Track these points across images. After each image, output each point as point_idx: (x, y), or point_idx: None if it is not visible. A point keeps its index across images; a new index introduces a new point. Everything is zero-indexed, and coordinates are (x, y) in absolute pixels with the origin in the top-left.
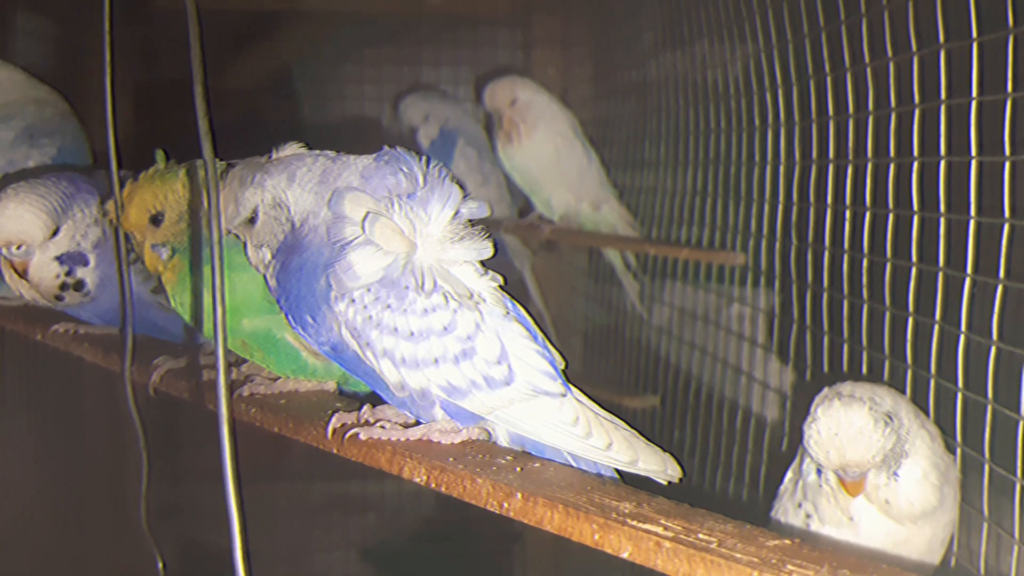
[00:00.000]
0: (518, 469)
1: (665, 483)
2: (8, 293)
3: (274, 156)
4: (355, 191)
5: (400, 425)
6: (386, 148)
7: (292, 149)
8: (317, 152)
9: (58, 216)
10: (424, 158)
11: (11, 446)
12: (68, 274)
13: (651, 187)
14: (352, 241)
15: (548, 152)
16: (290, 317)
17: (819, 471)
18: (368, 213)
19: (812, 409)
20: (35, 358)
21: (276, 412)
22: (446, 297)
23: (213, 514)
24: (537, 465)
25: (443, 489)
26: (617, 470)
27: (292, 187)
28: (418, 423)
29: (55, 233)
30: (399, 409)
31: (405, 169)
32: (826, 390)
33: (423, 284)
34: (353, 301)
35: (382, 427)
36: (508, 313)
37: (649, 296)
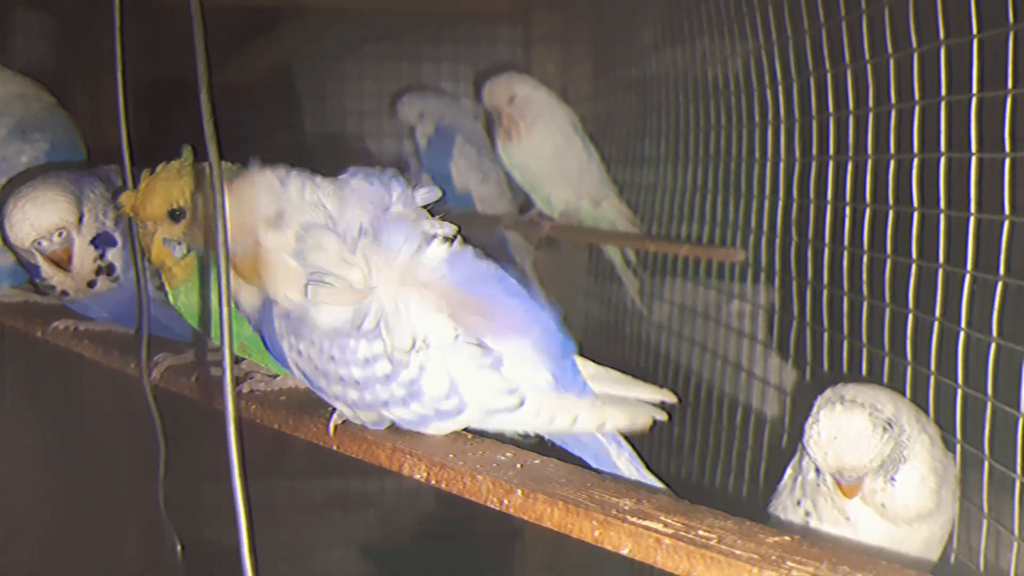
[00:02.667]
0: (518, 466)
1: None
2: (8, 292)
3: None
4: (323, 231)
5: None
6: (352, 167)
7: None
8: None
9: (79, 199)
10: (395, 180)
11: (11, 442)
12: (101, 257)
13: (651, 184)
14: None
15: (548, 149)
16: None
17: (818, 471)
18: (309, 281)
19: (814, 410)
20: (35, 355)
21: (276, 409)
22: (390, 345)
23: (211, 511)
24: (537, 462)
25: (443, 486)
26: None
27: (321, 188)
28: None
29: (82, 217)
30: None
31: (382, 184)
32: (829, 391)
33: (367, 332)
34: (299, 353)
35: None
36: (457, 338)
37: (649, 293)
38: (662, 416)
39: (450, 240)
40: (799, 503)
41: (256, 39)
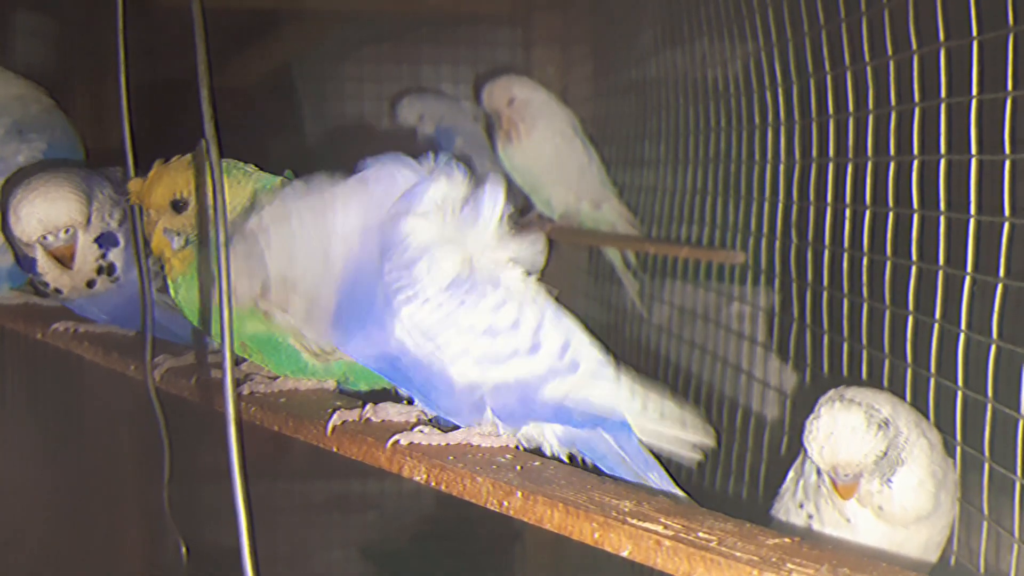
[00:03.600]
0: (518, 467)
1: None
2: (8, 294)
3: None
4: (410, 216)
5: (438, 429)
6: (370, 160)
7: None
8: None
9: (89, 197)
10: (457, 160)
11: (11, 444)
12: (103, 257)
13: (651, 185)
14: (417, 256)
15: (548, 151)
16: (339, 334)
17: (819, 472)
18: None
19: (816, 408)
20: (35, 357)
21: (276, 411)
22: (509, 294)
23: (212, 514)
24: (537, 464)
25: (443, 487)
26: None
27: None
28: (431, 420)
29: (90, 216)
30: (401, 405)
31: (447, 174)
32: (831, 392)
33: (486, 282)
34: (427, 300)
35: (421, 431)
36: (559, 308)
37: (649, 295)
38: (696, 457)
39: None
40: (801, 505)
41: (256, 41)
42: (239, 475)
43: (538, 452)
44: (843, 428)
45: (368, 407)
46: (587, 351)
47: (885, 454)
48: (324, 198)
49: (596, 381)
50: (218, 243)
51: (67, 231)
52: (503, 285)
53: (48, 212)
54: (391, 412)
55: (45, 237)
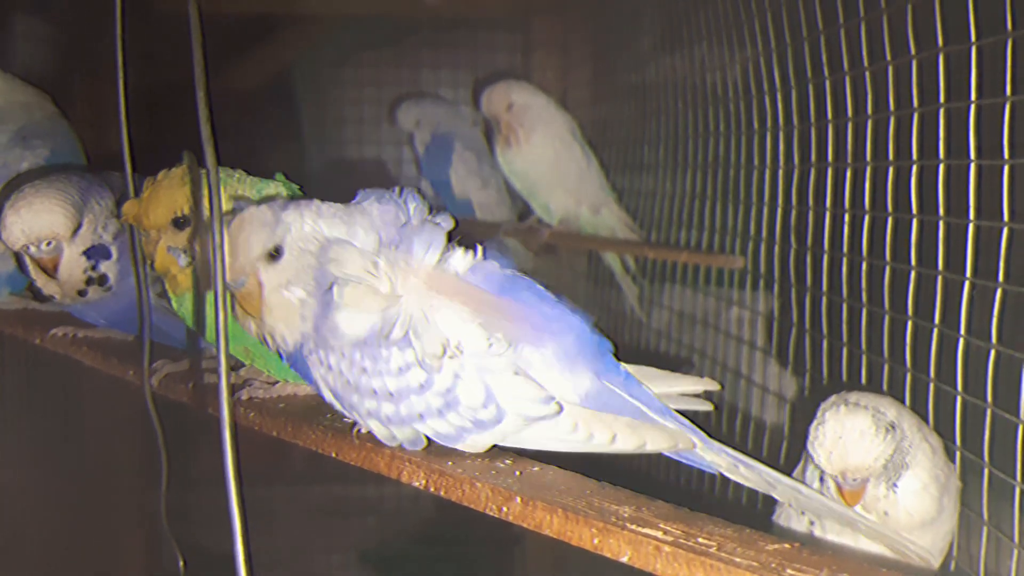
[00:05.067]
0: (517, 473)
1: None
2: (7, 300)
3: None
4: (343, 244)
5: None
6: (360, 191)
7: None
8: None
9: (80, 210)
10: (410, 196)
11: (10, 449)
12: (94, 268)
13: (650, 190)
14: (336, 302)
15: (547, 156)
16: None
17: (821, 479)
18: (335, 283)
19: (819, 413)
20: (34, 362)
21: (275, 416)
22: (422, 353)
23: (210, 518)
24: (536, 469)
25: (442, 493)
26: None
27: (323, 217)
28: None
29: (79, 228)
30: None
31: (397, 207)
32: (834, 397)
33: (396, 342)
34: (330, 367)
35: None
36: (491, 345)
37: (648, 299)
38: (707, 407)
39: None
40: (803, 512)
41: (255, 46)
42: (233, 479)
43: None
44: (851, 432)
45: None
46: (518, 394)
47: (889, 462)
48: (354, 204)
49: (529, 424)
50: (215, 248)
51: (49, 243)
52: (421, 339)
53: (31, 224)
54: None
55: (28, 247)
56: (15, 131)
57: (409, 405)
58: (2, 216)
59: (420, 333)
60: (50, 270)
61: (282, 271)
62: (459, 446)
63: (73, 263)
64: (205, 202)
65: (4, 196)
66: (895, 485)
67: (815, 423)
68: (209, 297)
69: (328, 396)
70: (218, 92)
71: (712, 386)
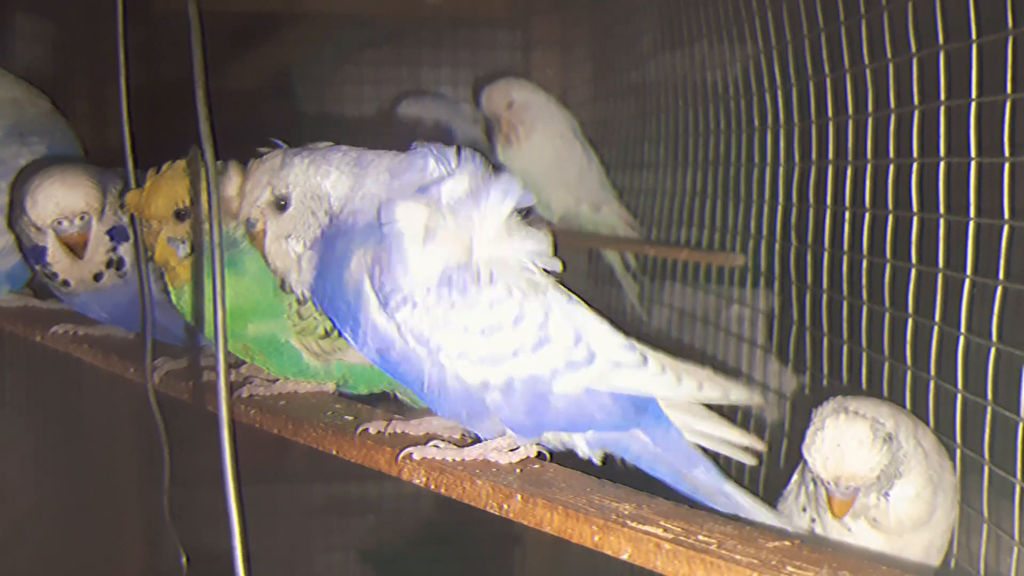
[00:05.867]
0: (518, 470)
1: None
2: (8, 297)
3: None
4: (408, 202)
5: (453, 443)
6: (417, 143)
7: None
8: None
9: (104, 190)
10: (466, 151)
11: (10, 447)
12: (114, 250)
13: (651, 188)
14: (408, 247)
15: (547, 154)
16: (332, 317)
17: (814, 482)
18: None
19: (817, 419)
20: (35, 359)
21: (275, 413)
22: (509, 289)
23: (211, 516)
24: (537, 466)
25: (443, 491)
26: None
27: (331, 174)
28: (470, 436)
29: (104, 207)
30: (445, 419)
31: (442, 161)
32: (832, 402)
33: (482, 278)
34: (415, 304)
35: (436, 446)
36: (571, 297)
37: (648, 297)
38: (751, 461)
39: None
40: (805, 509)
41: (256, 44)
42: (232, 477)
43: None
44: (850, 441)
45: (416, 422)
46: (604, 339)
47: (885, 469)
48: (359, 158)
49: (618, 369)
50: (213, 244)
51: (82, 217)
52: (504, 279)
53: (65, 196)
54: (434, 424)
55: (60, 223)
56: (9, 127)
57: (503, 340)
58: (30, 194)
59: (504, 276)
60: (78, 247)
61: (285, 222)
62: (554, 389)
63: (98, 241)
64: (204, 199)
65: (18, 184)
66: (887, 494)
67: (813, 428)
68: (207, 291)
69: (399, 344)
70: (219, 91)
71: (759, 446)
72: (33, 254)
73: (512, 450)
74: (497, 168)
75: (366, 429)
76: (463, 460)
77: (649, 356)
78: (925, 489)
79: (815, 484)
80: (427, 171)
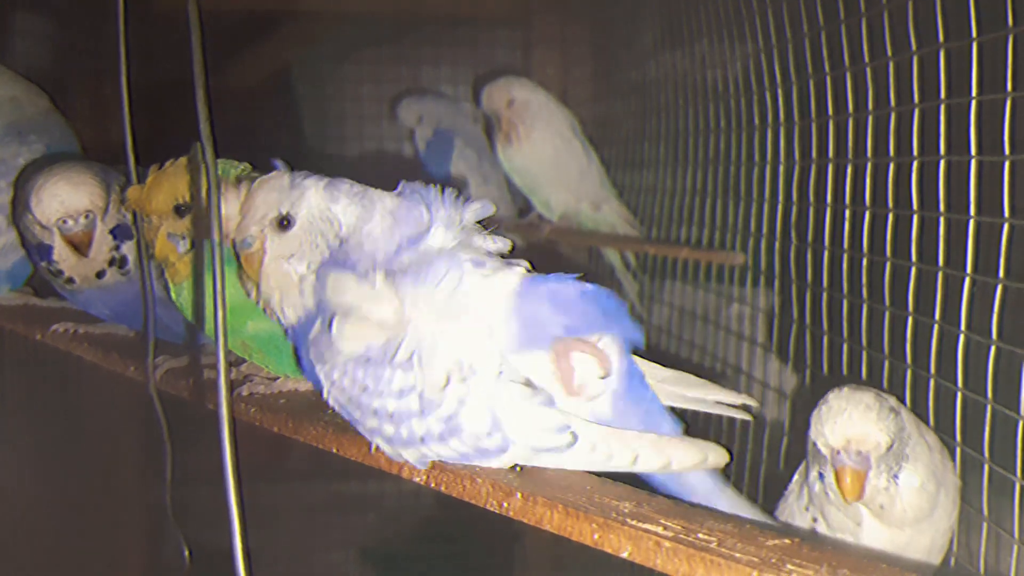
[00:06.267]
0: (518, 469)
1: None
2: (8, 296)
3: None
4: (339, 272)
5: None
6: (404, 183)
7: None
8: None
9: (107, 188)
10: (441, 192)
11: (11, 446)
12: (116, 249)
13: (651, 187)
14: (335, 322)
15: (547, 152)
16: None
17: (821, 475)
18: (333, 316)
19: (823, 399)
20: (35, 358)
21: (275, 411)
22: (425, 374)
23: (212, 513)
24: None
25: (443, 489)
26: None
27: (340, 200)
28: None
29: (107, 205)
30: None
31: (425, 206)
32: (834, 389)
33: (400, 363)
34: (333, 383)
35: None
36: (501, 373)
37: (648, 296)
38: (747, 417)
39: (513, 262)
40: (807, 509)
41: (255, 42)
42: (232, 476)
43: None
44: (857, 406)
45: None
46: (528, 424)
47: (892, 446)
48: (364, 193)
49: (539, 453)
50: (213, 241)
51: (86, 216)
52: (427, 366)
53: (70, 195)
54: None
55: (65, 221)
56: (8, 126)
57: (410, 428)
58: (34, 193)
59: (425, 361)
60: (83, 246)
61: (288, 242)
62: (470, 463)
63: (102, 240)
64: (208, 195)
65: (21, 182)
66: (896, 476)
67: (817, 407)
68: (208, 288)
69: (332, 404)
70: (219, 89)
71: (752, 402)
72: (39, 251)
73: None
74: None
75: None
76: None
77: (580, 435)
78: (929, 481)
79: (820, 479)
80: (422, 222)
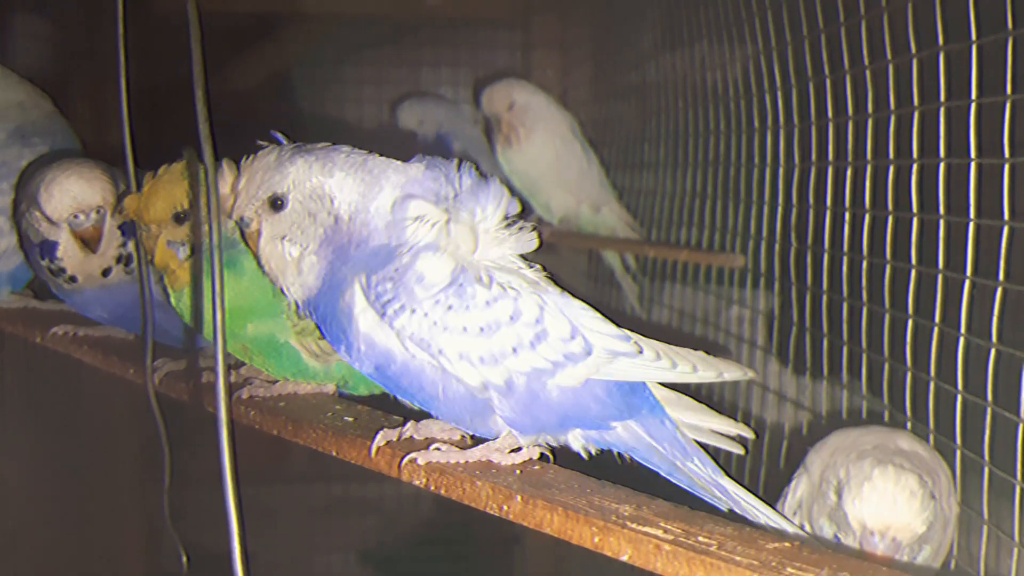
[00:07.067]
0: (517, 472)
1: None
2: (8, 298)
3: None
4: (418, 199)
5: (455, 445)
6: (422, 155)
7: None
8: (343, 146)
9: (116, 184)
10: (458, 162)
11: (10, 449)
12: (123, 245)
13: (651, 189)
14: (420, 250)
15: (547, 155)
16: (322, 327)
17: (837, 537)
18: (435, 222)
19: (857, 467)
20: (35, 361)
21: (275, 414)
22: (503, 287)
23: (210, 517)
24: (537, 468)
25: (443, 492)
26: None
27: (334, 175)
28: (472, 439)
29: (117, 204)
30: (446, 423)
31: (446, 174)
32: (872, 449)
33: (481, 279)
34: (413, 311)
35: (438, 449)
36: (564, 292)
37: (648, 298)
38: (739, 451)
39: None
40: (803, 527)
41: (256, 45)
42: (230, 479)
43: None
44: (902, 492)
45: (410, 425)
46: (600, 330)
47: (930, 527)
48: (366, 162)
49: (615, 358)
50: (212, 245)
51: (97, 211)
52: (498, 280)
53: (83, 190)
54: (435, 430)
55: (76, 216)
56: (12, 129)
57: (501, 338)
58: (44, 188)
59: (501, 271)
60: (94, 241)
61: (280, 223)
62: (554, 383)
63: (111, 236)
64: (205, 200)
65: (30, 178)
66: (915, 558)
67: (856, 477)
68: (207, 292)
69: (397, 352)
70: (219, 91)
71: (748, 433)
72: (43, 249)
73: (514, 450)
74: (485, 175)
75: (374, 442)
76: (466, 462)
77: (643, 344)
78: (939, 552)
79: (836, 539)
80: (441, 188)
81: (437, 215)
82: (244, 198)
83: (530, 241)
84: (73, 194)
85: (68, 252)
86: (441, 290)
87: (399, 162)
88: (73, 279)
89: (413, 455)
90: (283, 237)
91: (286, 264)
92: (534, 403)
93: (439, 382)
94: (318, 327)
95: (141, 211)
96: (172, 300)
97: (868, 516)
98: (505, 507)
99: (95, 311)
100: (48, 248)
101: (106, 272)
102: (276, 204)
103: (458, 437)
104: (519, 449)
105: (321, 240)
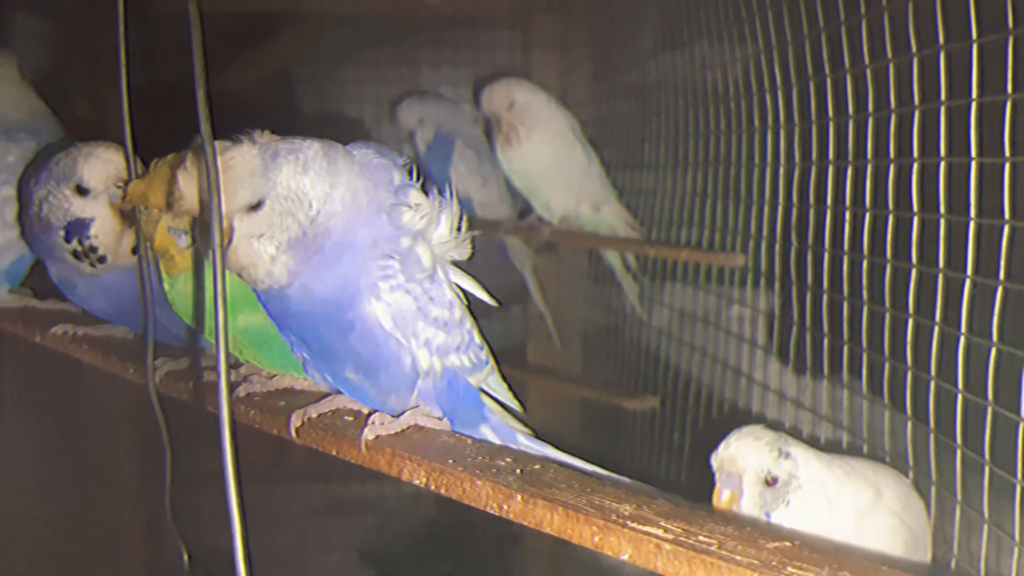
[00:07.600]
0: (518, 471)
1: None
2: (7, 298)
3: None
4: (413, 187)
5: (379, 420)
6: (362, 142)
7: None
8: (301, 138)
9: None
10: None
11: (10, 448)
12: None
13: (651, 188)
14: (418, 235)
15: (547, 154)
16: (299, 322)
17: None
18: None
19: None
20: (34, 360)
21: (275, 414)
22: (456, 293)
23: (212, 516)
24: (537, 467)
25: (443, 491)
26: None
27: (309, 173)
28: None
29: None
30: (351, 398)
31: (394, 164)
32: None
33: (440, 278)
34: (407, 292)
35: (379, 423)
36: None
37: (649, 298)
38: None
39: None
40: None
41: (255, 44)
42: (232, 476)
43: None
44: (747, 435)
45: (323, 402)
46: (484, 346)
47: (774, 482)
48: (328, 152)
49: (493, 373)
50: (214, 242)
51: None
52: (449, 285)
53: (123, 160)
54: (341, 402)
55: (117, 185)
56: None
57: (453, 336)
58: (83, 160)
59: (442, 279)
60: (130, 214)
61: (257, 222)
62: (470, 379)
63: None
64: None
65: (45, 166)
66: (768, 515)
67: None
68: (208, 289)
69: (386, 326)
70: (218, 91)
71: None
72: (73, 229)
73: (439, 418)
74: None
75: (292, 416)
76: (404, 429)
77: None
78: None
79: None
80: (394, 180)
81: (429, 206)
82: (227, 203)
83: (466, 251)
84: (115, 163)
85: (104, 228)
86: (428, 278)
87: (356, 152)
88: (103, 259)
89: (364, 433)
90: (260, 235)
91: (262, 261)
92: (451, 391)
93: (392, 359)
94: (271, 316)
95: (147, 194)
96: (166, 286)
97: (712, 457)
98: (505, 507)
99: (103, 302)
100: (79, 227)
101: (135, 249)
102: (253, 205)
103: (365, 412)
104: (441, 417)
105: (296, 238)
